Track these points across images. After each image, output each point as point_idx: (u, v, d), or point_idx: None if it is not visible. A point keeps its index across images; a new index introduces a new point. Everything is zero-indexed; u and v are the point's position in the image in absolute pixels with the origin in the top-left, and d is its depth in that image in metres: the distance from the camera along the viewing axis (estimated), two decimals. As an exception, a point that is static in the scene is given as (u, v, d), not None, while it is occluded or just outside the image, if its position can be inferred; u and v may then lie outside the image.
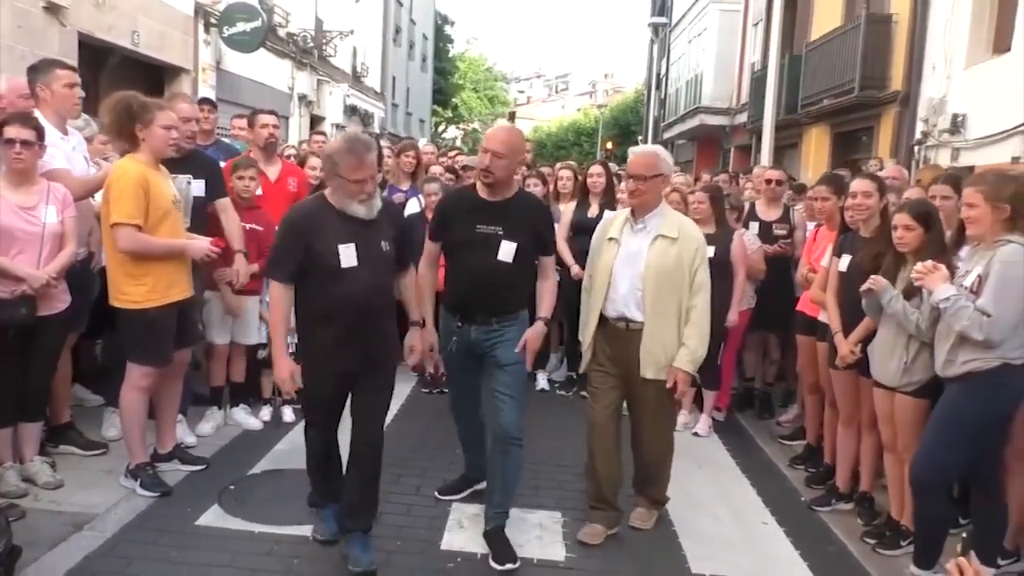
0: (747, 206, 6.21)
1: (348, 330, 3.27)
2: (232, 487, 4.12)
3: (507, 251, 3.53)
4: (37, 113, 4.03)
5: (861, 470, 4.38)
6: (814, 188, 5.27)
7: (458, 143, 41.49)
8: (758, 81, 18.45)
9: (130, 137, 3.81)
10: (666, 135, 28.99)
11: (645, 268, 3.65)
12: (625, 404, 3.95)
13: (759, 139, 19.75)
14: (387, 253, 3.35)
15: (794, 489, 4.74)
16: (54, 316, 3.92)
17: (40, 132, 3.83)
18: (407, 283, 3.65)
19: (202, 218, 4.47)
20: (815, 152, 15.45)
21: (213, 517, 3.81)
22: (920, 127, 10.93)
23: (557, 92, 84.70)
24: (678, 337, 3.66)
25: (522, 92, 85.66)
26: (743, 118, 19.75)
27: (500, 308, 3.61)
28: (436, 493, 4.17)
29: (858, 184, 4.33)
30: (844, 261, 4.33)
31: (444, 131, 43.96)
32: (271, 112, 5.82)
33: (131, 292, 3.84)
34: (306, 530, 3.68)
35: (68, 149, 4.22)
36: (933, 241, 3.65)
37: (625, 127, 41.48)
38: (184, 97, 4.33)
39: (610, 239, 3.81)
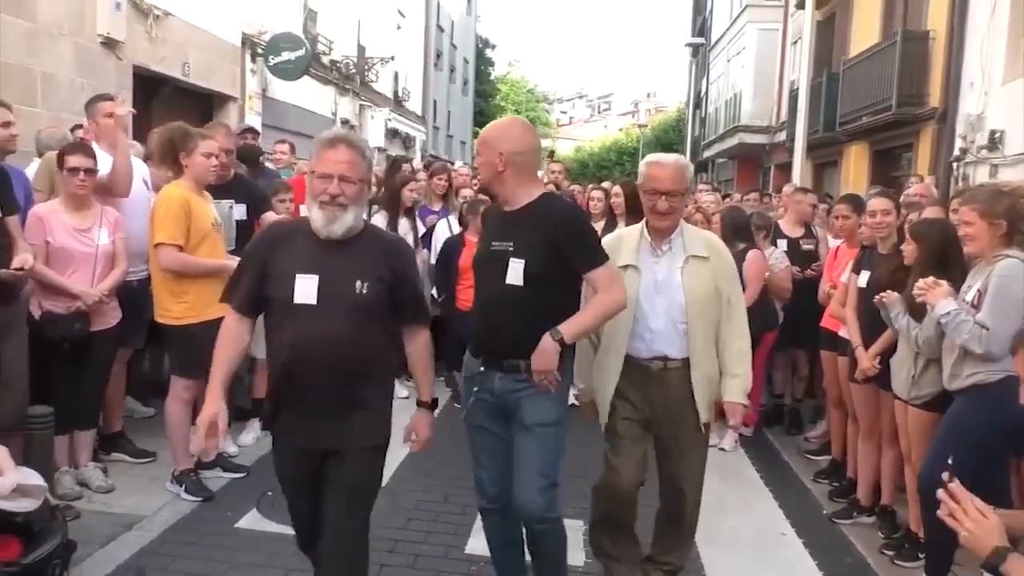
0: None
1: (308, 391, 2.53)
2: (270, 493, 4.33)
3: (515, 272, 2.78)
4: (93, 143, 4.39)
5: (882, 483, 4.43)
6: (835, 206, 5.37)
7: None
8: (797, 99, 18.45)
9: (175, 164, 4.12)
10: (706, 154, 28.98)
11: (686, 298, 3.11)
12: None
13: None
14: (361, 296, 2.49)
15: (816, 503, 4.80)
16: (106, 331, 4.21)
17: (95, 160, 4.15)
18: (415, 350, 2.76)
19: (246, 240, 4.70)
20: (855, 170, 15.37)
21: (251, 520, 4.03)
22: (959, 144, 10.85)
23: (599, 112, 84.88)
24: (718, 366, 3.20)
25: (564, 113, 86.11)
26: (783, 136, 19.70)
27: (518, 348, 2.77)
28: None
29: (876, 202, 4.42)
30: (863, 277, 4.42)
31: (485, 153, 44.45)
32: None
33: (172, 308, 4.10)
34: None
35: None
36: (928, 258, 3.72)
37: (667, 146, 41.45)
38: (221, 128, 4.61)
39: (625, 267, 3.13)
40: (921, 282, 3.53)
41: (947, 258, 3.73)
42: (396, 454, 3.29)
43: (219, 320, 4.03)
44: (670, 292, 3.13)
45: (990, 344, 3.25)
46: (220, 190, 4.63)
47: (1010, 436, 3.42)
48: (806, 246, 6.00)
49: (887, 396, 4.12)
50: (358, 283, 2.50)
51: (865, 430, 4.48)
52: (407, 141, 21.73)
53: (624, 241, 3.26)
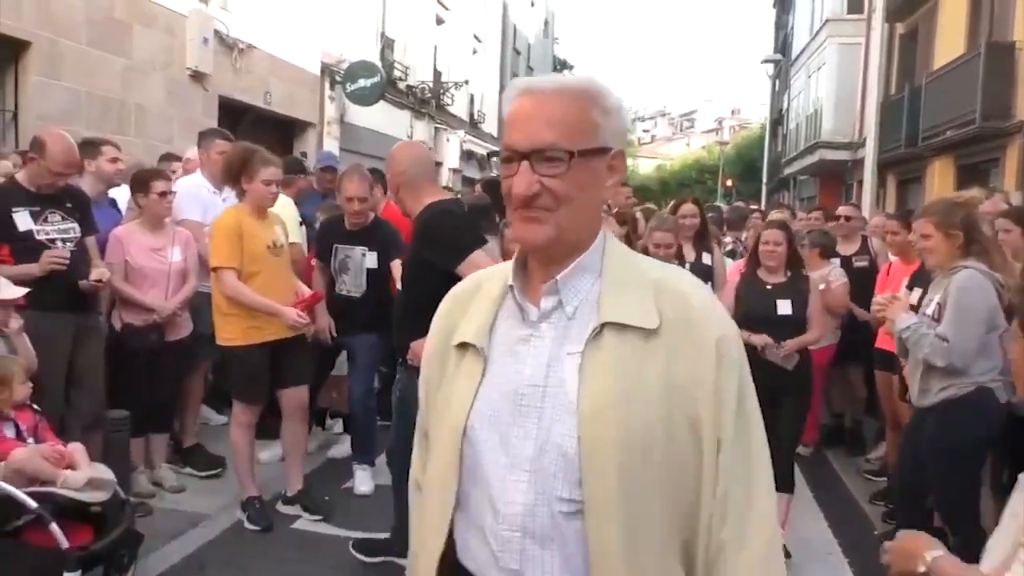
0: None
1: None
2: (326, 497, 4.57)
3: (397, 278, 3.49)
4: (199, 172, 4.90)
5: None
6: (886, 223, 5.31)
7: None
8: (880, 114, 17.98)
9: (237, 187, 4.22)
10: (787, 171, 28.41)
11: (582, 432, 1.20)
12: None
13: (882, 173, 19.21)
14: None
15: (869, 524, 4.73)
16: (178, 341, 4.55)
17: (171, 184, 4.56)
18: None
19: (377, 288, 4.71)
20: (939, 186, 14.85)
21: (306, 522, 4.27)
22: (1046, 157, 10.43)
23: (682, 130, 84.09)
24: None
25: (647, 131, 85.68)
26: (864, 152, 19.21)
27: (401, 349, 3.47)
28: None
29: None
30: (916, 295, 4.36)
31: (566, 173, 44.64)
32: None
33: (224, 331, 4.15)
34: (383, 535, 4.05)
35: (220, 201, 4.86)
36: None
37: (750, 163, 40.84)
38: (355, 175, 4.63)
39: (459, 347, 1.35)
40: (879, 297, 3.54)
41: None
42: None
43: (267, 344, 4.12)
44: (546, 400, 1.25)
45: (951, 356, 3.22)
46: (356, 236, 4.72)
47: (990, 446, 3.36)
48: (858, 263, 5.92)
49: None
50: None
51: (916, 450, 4.40)
52: (483, 162, 22.15)
53: (473, 296, 1.42)
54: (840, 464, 5.82)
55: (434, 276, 2.96)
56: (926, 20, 16.33)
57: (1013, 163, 11.66)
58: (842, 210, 6.35)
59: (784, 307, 4.21)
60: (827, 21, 22.73)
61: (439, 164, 18.32)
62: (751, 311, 4.15)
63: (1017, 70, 11.56)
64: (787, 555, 3.54)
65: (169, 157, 5.94)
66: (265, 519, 4.21)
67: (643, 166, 63.69)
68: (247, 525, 4.19)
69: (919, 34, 16.84)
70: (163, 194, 4.43)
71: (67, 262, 3.86)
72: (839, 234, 6.15)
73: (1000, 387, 3.30)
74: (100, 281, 3.95)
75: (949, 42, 14.47)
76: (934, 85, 14.20)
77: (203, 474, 4.85)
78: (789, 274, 4.29)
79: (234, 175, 4.18)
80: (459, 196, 6.46)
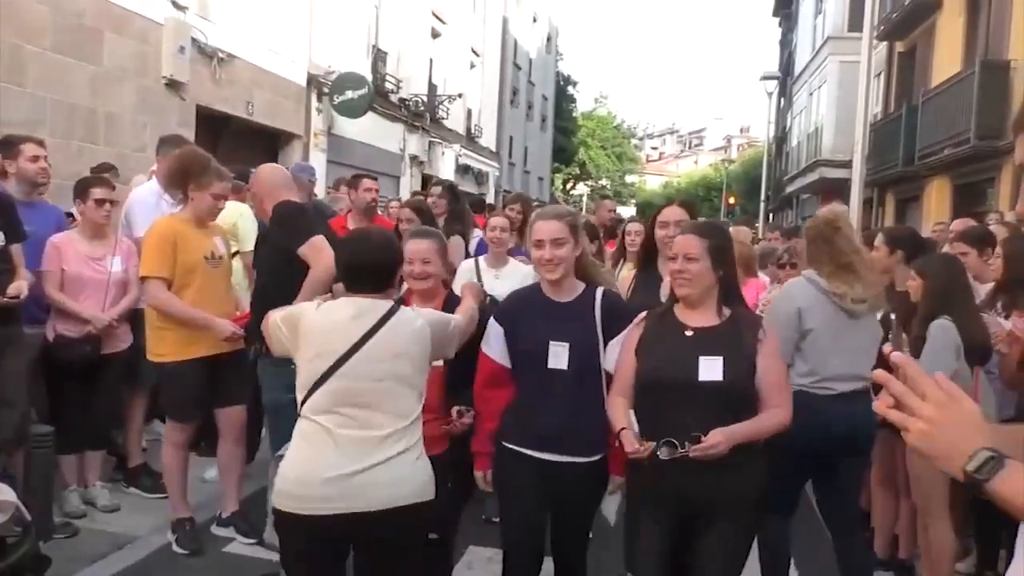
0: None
1: None
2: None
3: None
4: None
5: (900, 535, 4.16)
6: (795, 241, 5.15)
7: (584, 200, 42.15)
8: (878, 133, 17.83)
9: (182, 192, 4.01)
10: (788, 189, 28.27)
11: None
12: None
13: (881, 192, 19.03)
14: None
15: (833, 554, 4.52)
16: (116, 354, 4.39)
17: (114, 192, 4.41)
18: None
19: None
20: (936, 206, 14.68)
21: (239, 545, 4.09)
22: (1040, 177, 10.24)
23: (690, 148, 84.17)
24: None
25: (655, 148, 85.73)
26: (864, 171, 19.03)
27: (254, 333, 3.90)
28: None
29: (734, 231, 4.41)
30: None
31: (572, 188, 44.72)
32: (374, 177, 6.01)
33: (155, 346, 3.97)
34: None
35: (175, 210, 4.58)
36: (931, 293, 3.56)
37: (756, 181, 40.76)
38: (224, 175, 4.16)
39: None
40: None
41: (949, 293, 3.53)
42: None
43: (201, 360, 3.92)
44: None
45: None
46: None
47: (812, 449, 3.29)
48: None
49: (903, 443, 3.87)
50: None
51: (881, 477, 4.23)
52: (479, 177, 22.06)
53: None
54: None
55: (281, 260, 3.77)
56: (924, 39, 16.22)
57: (1007, 183, 11.48)
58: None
59: (710, 369, 2.58)
60: (828, 39, 22.67)
61: (431, 176, 18.25)
62: (657, 373, 2.61)
63: (1012, 89, 11.41)
64: None
65: (102, 168, 5.66)
66: (194, 542, 4.02)
67: (650, 183, 63.75)
68: (175, 548, 4.01)
69: (917, 52, 16.73)
70: (100, 201, 4.29)
71: None
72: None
73: (822, 393, 3.28)
74: (16, 297, 3.77)
75: (946, 61, 14.36)
76: (930, 104, 14.07)
77: (150, 496, 4.65)
78: (726, 313, 2.68)
79: (183, 181, 3.99)
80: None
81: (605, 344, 2.79)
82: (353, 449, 2.39)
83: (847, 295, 3.28)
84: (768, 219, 27.49)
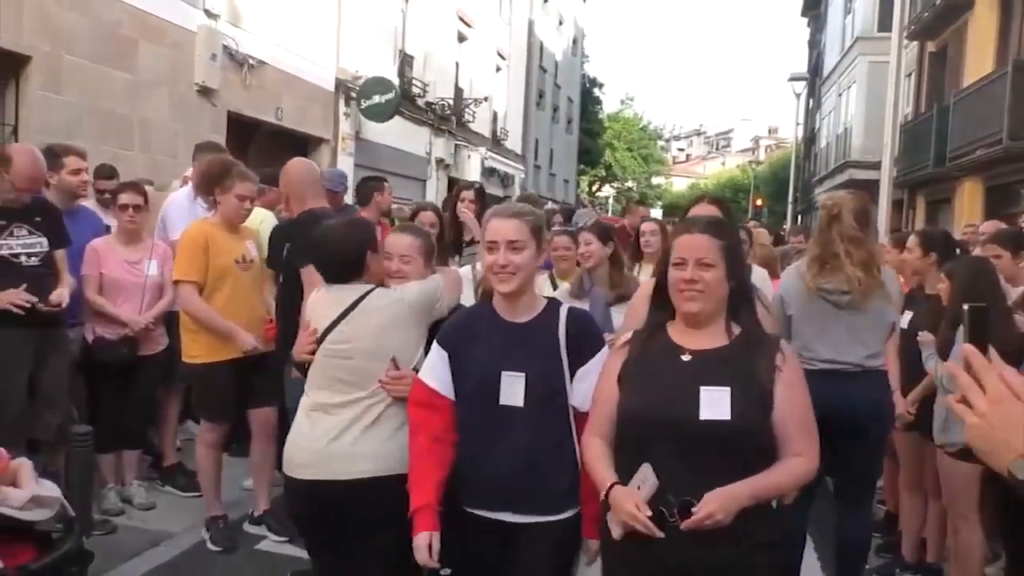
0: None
1: None
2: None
3: None
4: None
5: (927, 539, 4.14)
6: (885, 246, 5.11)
7: (611, 203, 42.07)
8: (909, 134, 17.63)
9: (210, 198, 4.12)
10: (816, 191, 28.01)
11: None
12: None
13: (911, 193, 18.79)
14: None
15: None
16: (152, 356, 4.51)
17: (146, 198, 4.50)
18: None
19: None
20: (967, 207, 14.48)
21: (271, 543, 4.17)
22: (1074, 178, 10.08)
23: (717, 149, 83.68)
24: None
25: (682, 150, 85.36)
26: (894, 173, 18.83)
27: None
28: None
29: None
30: (905, 318, 4.18)
31: (598, 189, 44.67)
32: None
33: (188, 347, 4.07)
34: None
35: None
36: (959, 295, 3.54)
37: (783, 183, 40.45)
38: (248, 176, 4.22)
39: None
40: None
41: (978, 295, 3.51)
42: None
43: (233, 362, 3.98)
44: None
45: None
46: None
47: None
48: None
49: (932, 445, 3.86)
50: None
51: (910, 481, 4.21)
52: (505, 179, 22.13)
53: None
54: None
55: (294, 269, 3.63)
56: (955, 38, 16.02)
57: (1042, 184, 11.32)
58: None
59: (715, 404, 1.98)
60: (857, 39, 22.46)
61: (457, 179, 18.36)
62: (645, 409, 2.03)
63: (1045, 88, 11.24)
64: None
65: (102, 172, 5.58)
66: (228, 539, 4.11)
67: (677, 185, 63.43)
68: (209, 545, 4.10)
69: (948, 52, 16.52)
70: (124, 207, 4.41)
71: (28, 305, 3.77)
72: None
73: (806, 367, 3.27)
74: (59, 305, 3.90)
75: (978, 61, 14.17)
76: (962, 104, 13.90)
77: (184, 494, 4.74)
78: (735, 332, 2.09)
79: (209, 186, 4.11)
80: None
81: (572, 375, 2.25)
82: (329, 420, 2.60)
83: (819, 286, 3.36)
84: (797, 221, 27.25)
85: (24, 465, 3.29)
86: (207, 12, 9.14)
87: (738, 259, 2.13)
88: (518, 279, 2.24)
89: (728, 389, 1.96)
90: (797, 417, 2.02)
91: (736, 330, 2.09)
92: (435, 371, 2.35)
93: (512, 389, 2.22)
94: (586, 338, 2.30)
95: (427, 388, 2.34)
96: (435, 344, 2.39)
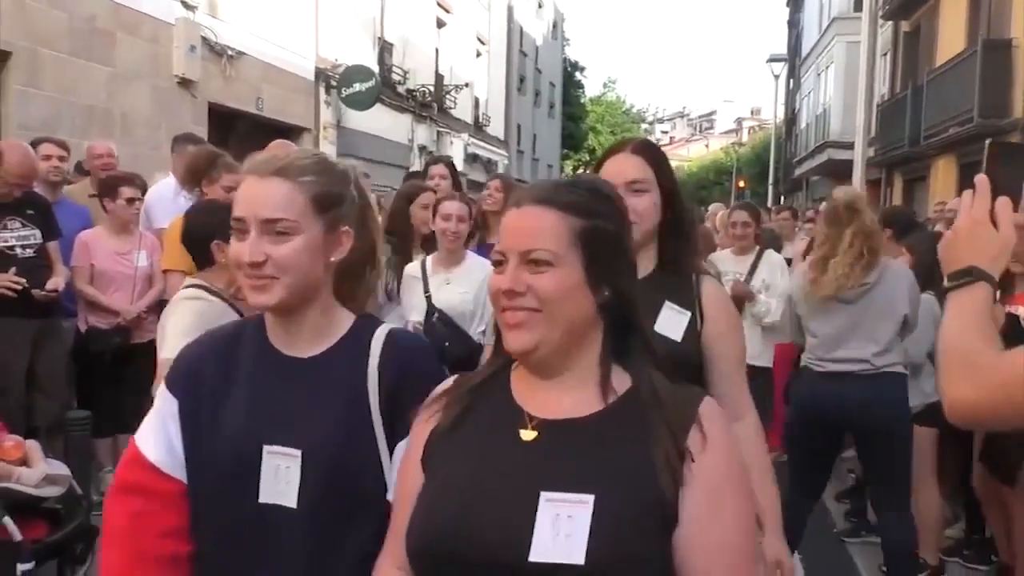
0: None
1: None
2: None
3: None
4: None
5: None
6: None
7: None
8: (885, 113, 17.87)
9: (197, 189, 4.17)
10: (797, 171, 28.29)
11: None
12: None
13: (889, 172, 19.05)
14: None
15: (831, 522, 4.73)
16: (145, 344, 4.63)
17: (144, 191, 4.66)
18: None
19: None
20: (942, 185, 14.76)
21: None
22: (1042, 154, 10.32)
23: (701, 131, 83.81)
24: None
25: (665, 133, 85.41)
26: (871, 152, 19.09)
27: None
28: None
29: (737, 215, 4.94)
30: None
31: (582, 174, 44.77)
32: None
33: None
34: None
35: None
36: (918, 270, 3.75)
37: (766, 164, 40.70)
38: (234, 167, 4.14)
39: None
40: None
41: (934, 269, 3.70)
42: None
43: None
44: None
45: None
46: None
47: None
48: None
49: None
50: None
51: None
52: (488, 166, 22.21)
53: None
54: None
55: None
56: (929, 18, 16.24)
57: (1012, 161, 11.56)
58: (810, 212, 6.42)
59: (559, 531, 1.09)
60: (834, 19, 22.64)
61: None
62: (439, 534, 1.19)
63: (1014, 67, 11.48)
64: None
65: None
66: None
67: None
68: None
69: (922, 32, 16.75)
70: (131, 200, 4.53)
71: (20, 286, 3.92)
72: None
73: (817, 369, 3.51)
74: (55, 291, 4.04)
75: (950, 40, 14.40)
76: (935, 83, 14.14)
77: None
78: (620, 387, 1.22)
79: (195, 178, 4.19)
80: None
81: (391, 450, 1.36)
82: None
83: (828, 282, 3.36)
84: (779, 202, 27.51)
85: (34, 446, 3.48)
86: (184, 4, 9.17)
87: (615, 249, 1.21)
88: (282, 288, 1.33)
89: (589, 501, 1.09)
90: (725, 555, 1.11)
91: (623, 382, 1.20)
92: (157, 434, 1.41)
93: (279, 476, 1.32)
94: (414, 387, 1.33)
95: (143, 463, 1.39)
96: (161, 388, 1.44)
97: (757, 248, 5.02)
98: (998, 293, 3.31)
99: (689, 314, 1.83)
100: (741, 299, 4.52)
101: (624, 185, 1.74)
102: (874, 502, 3.75)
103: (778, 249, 5.89)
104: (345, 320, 1.43)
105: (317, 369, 1.37)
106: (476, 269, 3.52)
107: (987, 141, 1.27)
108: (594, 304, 1.18)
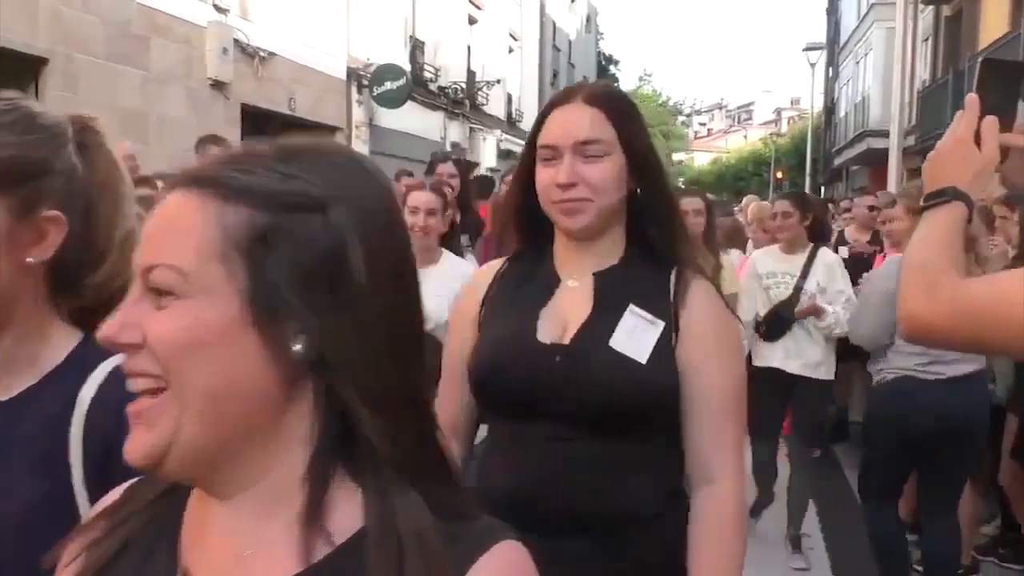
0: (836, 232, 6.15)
1: None
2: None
3: None
4: None
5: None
6: (883, 211, 5.20)
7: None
8: (925, 100, 17.46)
9: None
10: (836, 161, 27.80)
11: None
12: None
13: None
14: None
15: (860, 516, 4.65)
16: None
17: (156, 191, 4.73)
18: None
19: None
20: (985, 172, 14.39)
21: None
22: (1089, 139, 9.99)
23: (739, 122, 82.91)
24: None
25: (703, 125, 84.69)
26: (911, 141, 18.65)
27: None
28: None
29: (778, 205, 4.37)
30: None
31: (617, 168, 44.61)
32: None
33: None
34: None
35: None
36: None
37: (805, 154, 40.15)
38: (220, 141, 4.30)
39: None
40: None
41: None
42: None
43: None
44: None
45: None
46: None
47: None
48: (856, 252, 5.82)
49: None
50: None
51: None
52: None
53: None
54: (848, 461, 5.72)
55: None
56: (970, 1, 15.81)
57: (1058, 146, 11.22)
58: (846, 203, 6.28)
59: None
60: (873, 5, 22.19)
61: (476, 164, 18.46)
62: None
63: (1060, 49, 11.13)
64: None
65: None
66: None
67: (699, 160, 63.01)
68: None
69: (964, 15, 16.32)
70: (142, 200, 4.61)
71: None
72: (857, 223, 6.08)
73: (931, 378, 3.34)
74: None
75: (993, 22, 14.01)
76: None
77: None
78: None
79: None
80: None
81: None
82: None
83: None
84: (818, 192, 27.05)
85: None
86: (216, 7, 9.32)
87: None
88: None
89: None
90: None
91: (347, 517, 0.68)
92: None
93: None
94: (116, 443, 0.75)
95: None
96: None
97: (811, 246, 4.23)
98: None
99: (662, 324, 1.36)
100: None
101: (572, 147, 1.35)
102: (922, 510, 3.56)
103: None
104: (63, 343, 1.01)
105: (10, 417, 0.96)
106: (449, 269, 3.05)
107: (979, 59, 1.24)
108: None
